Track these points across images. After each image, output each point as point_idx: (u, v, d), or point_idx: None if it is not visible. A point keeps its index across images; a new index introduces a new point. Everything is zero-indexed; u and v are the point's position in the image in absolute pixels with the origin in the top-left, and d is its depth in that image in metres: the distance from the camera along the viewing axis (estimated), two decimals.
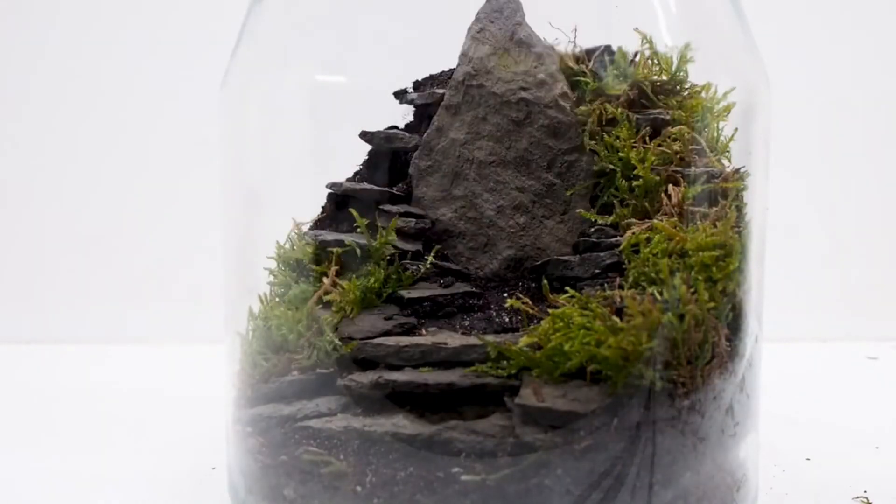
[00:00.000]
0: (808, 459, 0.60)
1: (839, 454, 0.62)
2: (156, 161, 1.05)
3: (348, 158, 0.50)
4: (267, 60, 0.48)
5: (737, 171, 0.47)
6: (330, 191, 0.49)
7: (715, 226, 0.42)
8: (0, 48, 1.06)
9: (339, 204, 0.49)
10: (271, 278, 0.49)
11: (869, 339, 0.98)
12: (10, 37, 1.06)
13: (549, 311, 0.41)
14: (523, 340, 0.40)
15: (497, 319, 0.45)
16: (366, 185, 0.48)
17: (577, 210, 0.47)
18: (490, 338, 0.41)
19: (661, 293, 0.40)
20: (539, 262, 0.47)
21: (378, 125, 0.49)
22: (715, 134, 0.48)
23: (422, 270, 0.47)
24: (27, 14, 1.06)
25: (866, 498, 0.53)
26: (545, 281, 0.43)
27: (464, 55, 0.48)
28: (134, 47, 1.05)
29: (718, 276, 0.41)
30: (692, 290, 0.40)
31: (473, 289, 0.47)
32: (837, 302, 1.03)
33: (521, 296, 0.43)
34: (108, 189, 1.07)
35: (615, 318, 0.39)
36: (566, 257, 0.46)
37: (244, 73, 0.48)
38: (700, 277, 0.40)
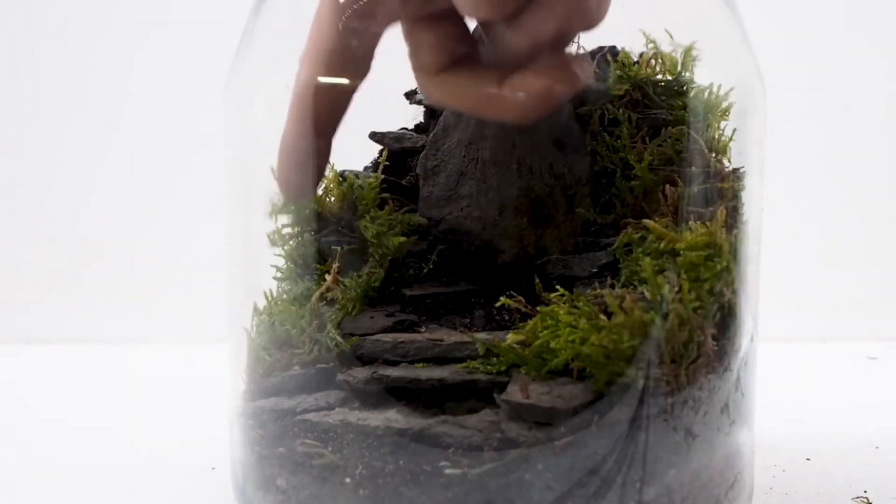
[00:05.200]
0: (808, 459, 0.60)
1: (839, 454, 0.62)
2: (159, 160, 1.06)
3: (350, 159, 0.51)
4: (271, 61, 0.48)
5: (735, 171, 0.47)
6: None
7: (706, 226, 0.42)
8: (1, 48, 1.07)
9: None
10: (278, 274, 0.50)
11: (869, 339, 0.98)
12: (12, 38, 1.07)
13: (539, 308, 0.41)
14: (511, 337, 0.41)
15: (497, 317, 0.46)
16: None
17: (578, 209, 0.48)
18: (481, 335, 0.42)
19: (648, 292, 0.40)
20: (540, 262, 0.47)
21: (378, 126, 0.49)
22: (716, 134, 0.48)
23: (425, 269, 0.48)
24: (30, 14, 1.06)
25: (866, 498, 0.53)
26: (537, 279, 0.44)
27: None
28: (137, 47, 1.06)
29: (706, 275, 0.41)
30: (677, 289, 0.40)
31: (475, 287, 0.48)
32: (837, 302, 1.03)
33: (514, 294, 0.43)
34: (110, 188, 1.07)
35: (602, 317, 0.39)
36: (566, 256, 0.47)
37: (248, 73, 0.49)
38: (686, 277, 0.41)
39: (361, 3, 0.41)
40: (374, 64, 0.44)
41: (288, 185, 0.46)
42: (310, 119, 0.45)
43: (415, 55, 0.44)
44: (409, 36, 0.43)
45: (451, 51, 0.43)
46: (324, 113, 0.45)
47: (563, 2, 0.39)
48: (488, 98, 0.42)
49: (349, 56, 0.44)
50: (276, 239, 0.49)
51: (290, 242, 0.49)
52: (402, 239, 0.46)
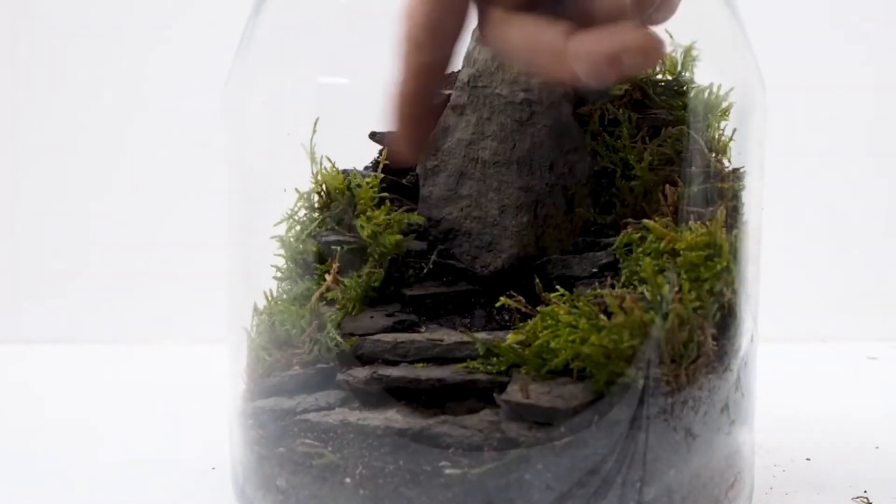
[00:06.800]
0: (808, 459, 0.60)
1: (839, 454, 0.62)
2: (159, 160, 1.05)
3: (351, 159, 0.51)
4: (269, 62, 0.49)
5: (735, 171, 0.47)
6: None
7: (706, 226, 0.42)
8: (3, 48, 1.07)
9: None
10: (279, 274, 0.50)
11: (869, 339, 0.98)
12: (13, 37, 1.07)
13: (539, 308, 0.41)
14: (511, 337, 0.41)
15: (497, 317, 0.46)
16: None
17: (578, 209, 0.48)
18: (481, 335, 0.42)
19: (648, 292, 0.40)
20: (540, 262, 0.47)
21: (378, 126, 0.49)
22: (716, 134, 0.48)
23: (425, 269, 0.48)
24: (32, 15, 1.06)
25: (866, 498, 0.53)
26: (537, 279, 0.44)
27: (467, 57, 0.49)
28: (137, 47, 1.06)
29: (706, 275, 0.41)
30: (677, 289, 0.40)
31: (476, 287, 0.48)
32: (837, 302, 1.03)
33: (514, 294, 0.43)
34: (110, 188, 1.07)
35: (602, 317, 0.39)
36: (566, 256, 0.47)
37: (247, 74, 0.49)
38: (686, 277, 0.41)
39: None
40: (375, 64, 0.44)
41: (409, 141, 0.42)
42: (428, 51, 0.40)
43: None
44: None
45: None
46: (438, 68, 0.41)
47: None
48: (552, 50, 0.38)
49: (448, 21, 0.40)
50: (285, 241, 0.49)
51: (299, 246, 0.49)
52: (399, 237, 0.46)
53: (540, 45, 0.39)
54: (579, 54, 0.37)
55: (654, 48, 0.37)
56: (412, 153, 0.43)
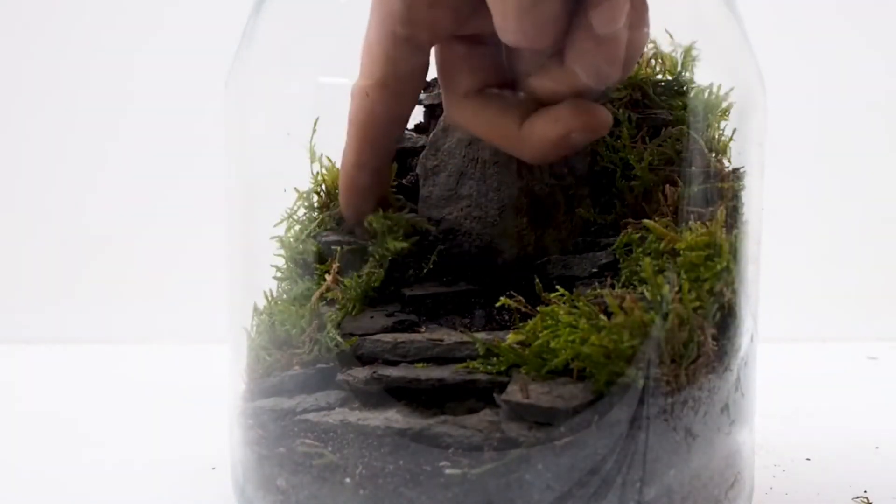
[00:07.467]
0: (808, 459, 0.60)
1: (839, 454, 0.62)
2: (159, 160, 1.06)
3: None
4: (269, 62, 0.49)
5: (735, 171, 0.47)
6: None
7: (706, 226, 0.42)
8: (2, 47, 1.07)
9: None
10: (279, 274, 0.50)
11: (869, 339, 0.98)
12: (13, 36, 1.07)
13: (539, 308, 0.41)
14: (511, 337, 0.41)
15: (497, 317, 0.46)
16: None
17: (578, 209, 0.48)
18: (481, 335, 0.42)
19: (648, 292, 0.40)
20: (540, 262, 0.47)
21: None
22: (716, 134, 0.48)
23: (425, 269, 0.48)
24: (32, 13, 1.06)
25: (866, 498, 0.53)
26: (537, 279, 0.44)
27: None
28: (138, 46, 1.06)
29: (706, 275, 0.41)
30: (677, 289, 0.40)
31: (476, 287, 0.48)
32: (837, 302, 1.03)
33: (514, 294, 0.43)
34: (110, 188, 1.07)
35: (602, 317, 0.39)
36: (566, 256, 0.47)
37: (247, 73, 0.49)
38: (686, 277, 0.41)
39: (408, 28, 0.40)
40: None
41: (352, 211, 0.47)
42: (370, 147, 0.45)
43: (447, 74, 0.44)
44: (445, 54, 0.43)
45: (483, 78, 0.43)
46: (383, 140, 0.45)
47: (594, 56, 0.39)
48: (507, 135, 0.42)
49: (403, 83, 0.43)
50: (285, 241, 0.49)
51: (299, 246, 0.49)
52: (406, 244, 0.46)
53: (497, 131, 0.43)
54: (532, 139, 0.42)
55: (599, 124, 0.42)
56: (349, 216, 0.48)
